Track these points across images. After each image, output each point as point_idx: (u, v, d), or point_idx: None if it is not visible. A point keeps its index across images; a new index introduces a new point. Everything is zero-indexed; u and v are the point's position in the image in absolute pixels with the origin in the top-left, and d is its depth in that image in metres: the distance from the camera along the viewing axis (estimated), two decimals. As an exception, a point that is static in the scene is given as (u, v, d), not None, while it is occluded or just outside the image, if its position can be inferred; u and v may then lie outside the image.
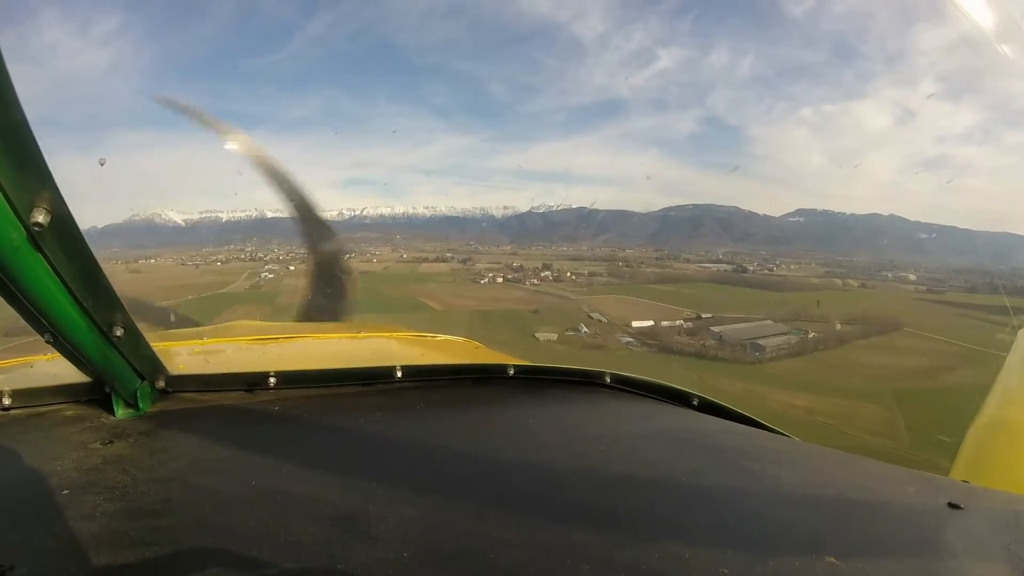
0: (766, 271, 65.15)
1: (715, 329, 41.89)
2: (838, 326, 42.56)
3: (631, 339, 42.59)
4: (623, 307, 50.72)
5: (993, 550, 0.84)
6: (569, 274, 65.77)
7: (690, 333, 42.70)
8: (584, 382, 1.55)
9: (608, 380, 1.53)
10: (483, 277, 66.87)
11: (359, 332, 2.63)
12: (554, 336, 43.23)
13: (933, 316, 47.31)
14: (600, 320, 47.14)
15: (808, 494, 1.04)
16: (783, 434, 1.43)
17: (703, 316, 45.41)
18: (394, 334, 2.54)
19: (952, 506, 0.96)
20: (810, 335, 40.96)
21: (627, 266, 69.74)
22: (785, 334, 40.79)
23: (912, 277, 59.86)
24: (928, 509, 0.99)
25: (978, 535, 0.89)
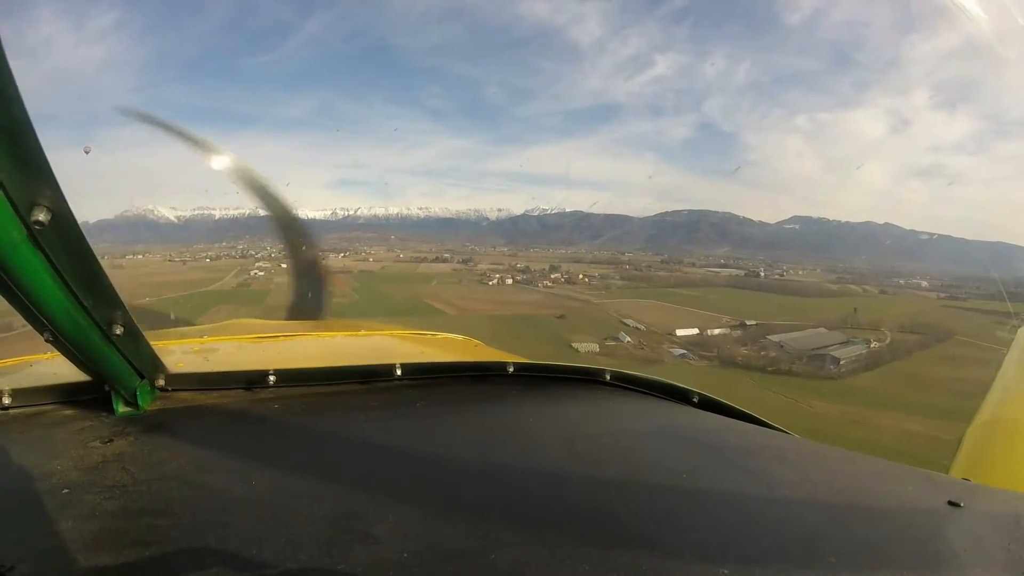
0: (776, 276, 60.18)
1: (774, 338, 35.54)
2: (889, 336, 36.77)
3: (684, 351, 35.60)
4: (654, 312, 44.03)
5: (993, 548, 0.81)
6: (581, 276, 58.92)
7: (745, 343, 36.13)
8: (584, 379, 1.49)
9: (608, 377, 1.48)
10: (490, 278, 59.36)
11: (358, 330, 2.48)
12: (595, 346, 35.85)
13: (972, 324, 42.18)
14: (637, 327, 40.20)
15: (808, 492, 1.00)
16: (783, 431, 1.36)
17: (748, 323, 39.14)
18: (394, 332, 2.41)
19: (952, 504, 0.92)
20: (872, 344, 35.02)
21: (636, 269, 63.62)
22: (844, 343, 34.84)
23: (924, 284, 55.07)
24: (928, 507, 0.95)
25: (978, 533, 0.86)
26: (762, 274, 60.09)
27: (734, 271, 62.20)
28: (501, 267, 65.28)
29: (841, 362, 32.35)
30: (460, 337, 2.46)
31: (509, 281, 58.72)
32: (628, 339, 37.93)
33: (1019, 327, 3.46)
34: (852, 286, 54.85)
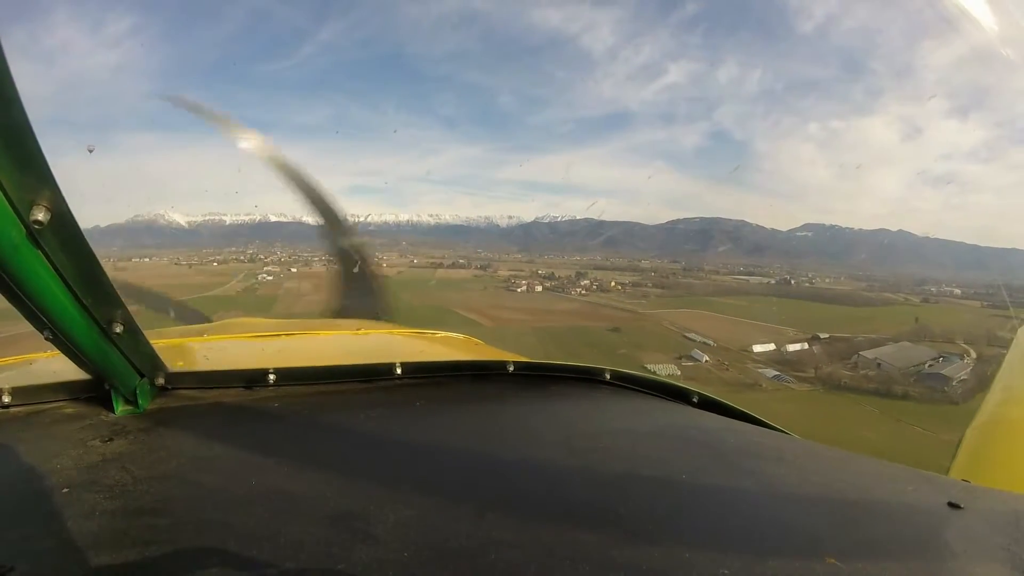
0: (806, 284, 56.48)
1: (867, 355, 31.19)
2: (973, 351, 32.72)
3: (776, 372, 30.73)
4: (712, 324, 39.51)
5: (993, 550, 0.78)
6: (613, 284, 54.16)
7: (841, 359, 31.58)
8: (584, 379, 1.46)
9: (608, 377, 1.45)
10: (517, 285, 54.22)
11: (359, 329, 2.37)
12: (673, 368, 30.55)
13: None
14: (706, 342, 35.48)
15: (808, 493, 0.97)
16: (783, 431, 1.34)
17: (821, 336, 34.88)
18: (394, 330, 2.35)
19: (952, 505, 0.90)
20: (965, 360, 30.97)
21: (663, 276, 59.26)
22: (938, 359, 30.81)
23: (958, 291, 51.63)
24: (928, 508, 0.92)
25: (978, 535, 0.83)
26: (792, 282, 56.35)
27: (762, 279, 58.37)
28: (523, 273, 60.25)
29: (953, 382, 28.23)
30: (460, 336, 2.33)
31: (539, 288, 53.54)
32: (705, 358, 32.97)
33: (1019, 327, 3.15)
34: (889, 294, 51.33)
